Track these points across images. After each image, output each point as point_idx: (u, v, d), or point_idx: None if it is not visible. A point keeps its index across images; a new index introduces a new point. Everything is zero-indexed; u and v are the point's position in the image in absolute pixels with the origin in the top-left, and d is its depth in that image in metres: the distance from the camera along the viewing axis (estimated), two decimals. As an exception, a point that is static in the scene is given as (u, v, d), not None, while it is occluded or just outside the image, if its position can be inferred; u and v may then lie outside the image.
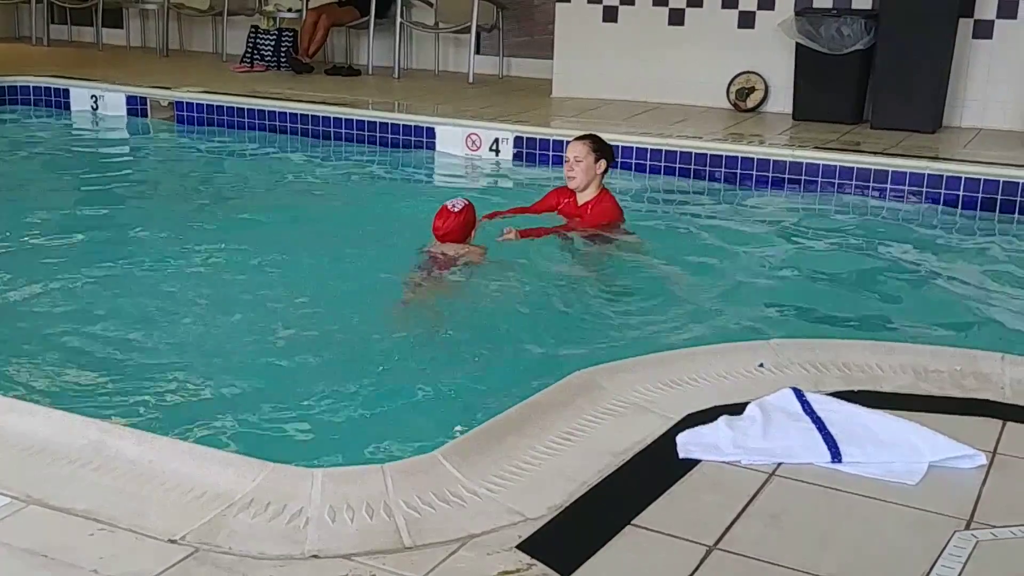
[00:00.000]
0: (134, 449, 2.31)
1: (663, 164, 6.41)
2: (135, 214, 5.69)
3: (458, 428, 2.72)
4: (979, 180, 5.74)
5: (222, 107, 7.75)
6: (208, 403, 3.28)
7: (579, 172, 4.87)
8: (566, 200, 5.02)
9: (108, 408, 3.16)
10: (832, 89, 7.08)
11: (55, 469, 2.24)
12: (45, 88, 8.31)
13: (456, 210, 4.41)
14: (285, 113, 7.51)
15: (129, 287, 4.37)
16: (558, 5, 8.16)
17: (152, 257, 4.79)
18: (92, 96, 8.16)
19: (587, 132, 5.23)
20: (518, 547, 2.01)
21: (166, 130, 7.79)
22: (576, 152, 4.89)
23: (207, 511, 2.09)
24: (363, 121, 7.26)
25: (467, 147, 6.94)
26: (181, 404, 3.25)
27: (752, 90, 7.61)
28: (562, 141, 6.56)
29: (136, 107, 8.03)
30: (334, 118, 7.34)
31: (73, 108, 8.21)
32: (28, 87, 8.32)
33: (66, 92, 8.25)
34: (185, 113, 7.86)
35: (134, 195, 6.20)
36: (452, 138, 6.98)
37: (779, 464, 2.34)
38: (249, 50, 9.47)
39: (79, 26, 11.31)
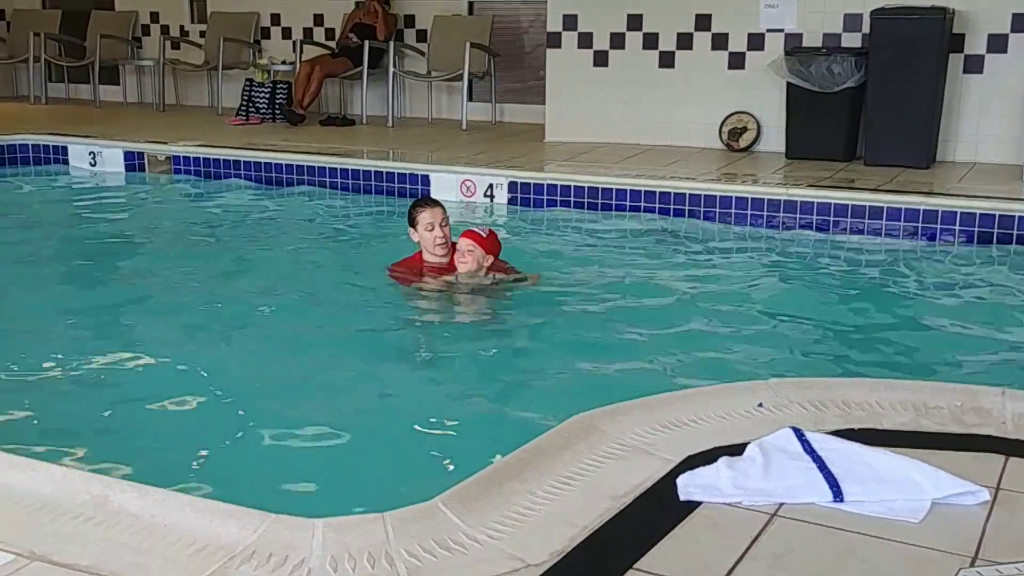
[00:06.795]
0: (136, 503, 2.31)
1: (657, 205, 6.43)
2: (134, 267, 5.71)
3: None
4: (975, 214, 5.77)
5: (218, 160, 7.81)
6: (209, 454, 3.28)
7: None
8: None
9: (110, 463, 3.15)
10: (824, 127, 7.13)
11: (57, 525, 2.23)
12: (44, 146, 8.36)
13: (484, 234, 4.74)
14: (281, 164, 7.57)
15: (128, 340, 4.38)
16: (549, 51, 8.24)
17: (151, 310, 4.81)
18: (90, 152, 8.21)
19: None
20: (521, 594, 2.01)
21: (164, 184, 7.85)
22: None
23: (210, 564, 2.08)
24: (358, 170, 7.31)
25: (462, 193, 6.98)
26: (182, 456, 3.24)
27: (744, 130, 7.66)
28: (556, 185, 6.63)
29: (134, 162, 8.09)
30: (329, 168, 7.39)
31: (72, 164, 8.26)
32: (27, 145, 8.37)
33: (64, 149, 8.31)
34: (182, 167, 7.93)
35: (132, 249, 6.22)
36: (447, 184, 7.02)
37: (781, 504, 2.34)
38: (244, 103, 9.54)
39: (76, 84, 11.41)
